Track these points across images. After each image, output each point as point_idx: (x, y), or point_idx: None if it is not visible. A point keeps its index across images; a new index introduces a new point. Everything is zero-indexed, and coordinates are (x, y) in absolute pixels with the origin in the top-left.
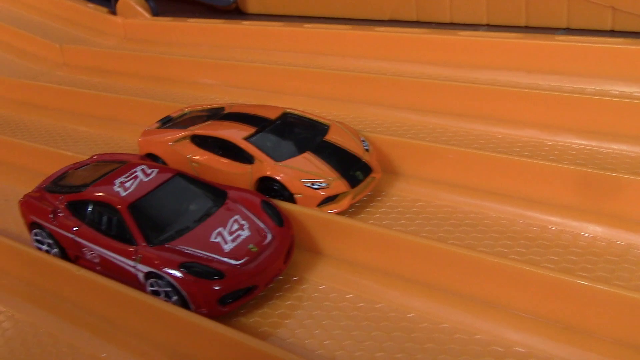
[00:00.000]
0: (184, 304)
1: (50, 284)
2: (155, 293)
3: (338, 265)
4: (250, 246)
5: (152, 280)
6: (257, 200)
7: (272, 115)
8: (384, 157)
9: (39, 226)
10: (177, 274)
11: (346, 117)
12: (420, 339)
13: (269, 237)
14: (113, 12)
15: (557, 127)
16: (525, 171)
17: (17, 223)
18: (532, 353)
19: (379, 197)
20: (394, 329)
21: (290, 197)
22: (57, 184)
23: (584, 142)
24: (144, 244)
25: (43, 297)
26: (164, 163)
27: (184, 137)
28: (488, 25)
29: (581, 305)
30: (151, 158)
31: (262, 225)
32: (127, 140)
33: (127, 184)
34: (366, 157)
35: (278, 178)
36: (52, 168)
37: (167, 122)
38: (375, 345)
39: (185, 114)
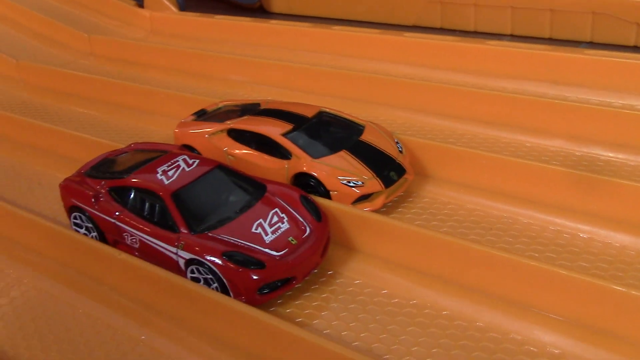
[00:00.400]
0: (223, 291)
1: (89, 267)
2: (195, 280)
3: (372, 262)
4: (290, 238)
5: (193, 267)
6: (295, 194)
7: (309, 113)
8: (416, 159)
9: (79, 209)
10: (220, 261)
11: (374, 120)
12: (455, 335)
13: (308, 230)
14: (140, 5)
15: (585, 138)
16: (556, 179)
17: (50, 207)
18: (565, 355)
19: (410, 198)
20: (429, 325)
21: (325, 194)
22: (97, 170)
23: (611, 155)
24: (186, 231)
25: (81, 280)
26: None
27: (221, 131)
28: (512, 35)
29: (615, 310)
30: (187, 149)
31: (301, 219)
32: (155, 130)
33: (170, 173)
34: (400, 159)
35: (315, 174)
36: (85, 155)
37: (203, 115)
38: (411, 340)
39: (220, 108)
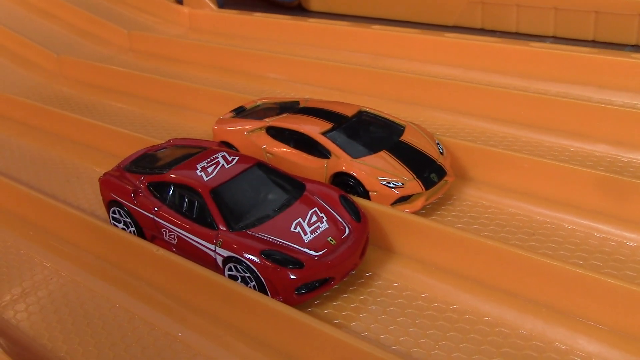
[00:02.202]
0: (261, 290)
1: (127, 261)
2: (233, 278)
3: (411, 264)
4: (329, 239)
5: (231, 264)
6: (335, 194)
7: (349, 112)
8: (456, 161)
9: (118, 204)
10: (258, 260)
11: (413, 121)
12: (497, 343)
13: (347, 231)
14: (180, 2)
15: (632, 144)
16: (602, 185)
17: (88, 200)
18: None
19: (450, 200)
20: (470, 330)
21: (364, 194)
22: (137, 165)
23: None
24: (225, 228)
25: (118, 275)
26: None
27: (260, 128)
28: (554, 37)
29: None
30: (226, 146)
31: (340, 219)
32: (194, 127)
33: (209, 169)
34: (441, 160)
35: (354, 174)
36: (122, 149)
37: (241, 112)
38: (452, 346)
39: (258, 106)
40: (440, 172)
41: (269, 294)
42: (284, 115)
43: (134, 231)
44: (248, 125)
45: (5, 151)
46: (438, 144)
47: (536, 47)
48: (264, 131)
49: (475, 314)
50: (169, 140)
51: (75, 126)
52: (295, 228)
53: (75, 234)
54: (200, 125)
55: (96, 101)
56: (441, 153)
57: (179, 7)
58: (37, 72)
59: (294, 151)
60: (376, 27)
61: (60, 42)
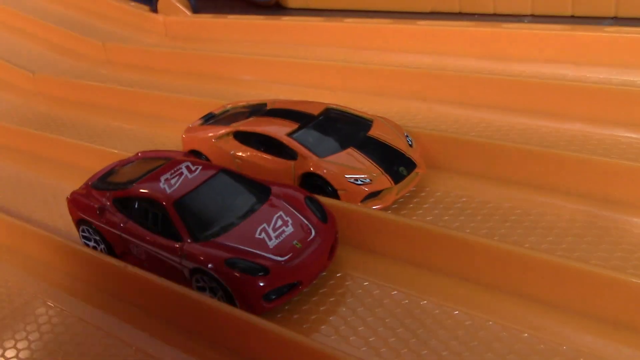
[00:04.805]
0: (229, 300)
1: (98, 279)
2: (201, 289)
3: (382, 262)
4: (295, 242)
5: (197, 276)
6: (300, 196)
7: (315, 110)
8: (427, 152)
9: (86, 223)
10: (223, 269)
11: (388, 112)
12: (465, 337)
13: (313, 233)
14: (154, 10)
15: (606, 120)
16: (571, 165)
17: (64, 219)
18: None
19: (422, 192)
20: (438, 327)
21: (333, 193)
22: (103, 181)
23: (634, 136)
24: (189, 240)
25: (90, 293)
26: (207, 159)
27: (227, 134)
28: (532, 15)
29: None
30: (195, 154)
31: (305, 221)
32: (170, 137)
33: (173, 181)
34: (410, 153)
35: (321, 174)
36: (97, 165)
37: (210, 119)
38: (419, 343)
39: (227, 111)
40: (410, 165)
41: (237, 303)
42: (251, 118)
43: (104, 249)
44: (216, 131)
45: None
46: (407, 136)
47: (509, 28)
48: (231, 136)
49: (443, 309)
50: (137, 154)
51: (51, 145)
52: (260, 234)
53: (50, 256)
54: (176, 135)
55: (74, 117)
56: (410, 145)
57: (153, 15)
58: (13, 92)
59: (262, 154)
60: (349, 21)
61: (36, 60)
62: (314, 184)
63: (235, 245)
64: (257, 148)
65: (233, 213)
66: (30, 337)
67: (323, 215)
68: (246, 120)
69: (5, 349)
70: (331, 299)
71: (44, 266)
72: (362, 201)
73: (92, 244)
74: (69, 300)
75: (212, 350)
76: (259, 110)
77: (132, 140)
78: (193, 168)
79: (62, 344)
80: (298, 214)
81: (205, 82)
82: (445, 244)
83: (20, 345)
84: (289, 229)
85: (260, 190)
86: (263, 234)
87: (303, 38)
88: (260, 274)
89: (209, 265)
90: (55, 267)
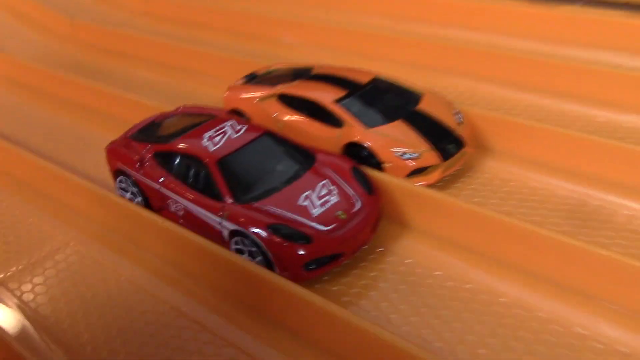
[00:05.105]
0: (268, 265)
1: (133, 232)
2: (239, 251)
3: (425, 240)
4: (339, 212)
5: (237, 238)
6: (346, 165)
7: (363, 79)
8: (476, 132)
9: (124, 174)
10: (265, 234)
11: (434, 88)
12: (513, 325)
13: (358, 204)
14: None
15: None
16: (630, 159)
17: (97, 169)
18: (636, 353)
19: (469, 173)
20: (484, 312)
21: (377, 165)
22: (144, 133)
23: None
24: (231, 201)
25: (126, 246)
26: (248, 120)
27: (271, 96)
28: None
29: None
30: (236, 114)
31: (351, 192)
32: (207, 93)
33: (216, 139)
34: (459, 130)
35: (367, 144)
36: (133, 116)
37: (253, 79)
38: (464, 328)
39: (270, 72)
40: (458, 143)
41: (276, 269)
42: (297, 82)
43: (141, 201)
44: (259, 92)
45: (17, 117)
46: (457, 113)
47: (564, 10)
48: (275, 99)
49: (490, 294)
50: (179, 108)
51: (87, 92)
52: (303, 201)
53: (84, 204)
54: (214, 91)
55: (111, 66)
56: (460, 123)
57: None
58: (51, 37)
59: (306, 120)
60: None
61: (75, 6)
62: (359, 154)
63: (279, 210)
64: (302, 113)
65: (277, 177)
66: (60, 277)
67: (369, 187)
68: (291, 84)
69: (34, 285)
70: (372, 274)
71: (78, 214)
72: (407, 176)
73: (128, 195)
74: (101, 250)
75: (244, 314)
76: (304, 74)
77: (168, 94)
78: (237, 128)
79: (95, 295)
80: (343, 184)
81: (245, 41)
82: (495, 228)
83: (50, 282)
84: (334, 199)
85: (305, 156)
86: (307, 201)
87: (347, 4)
88: (303, 241)
89: (251, 229)
90: (89, 216)
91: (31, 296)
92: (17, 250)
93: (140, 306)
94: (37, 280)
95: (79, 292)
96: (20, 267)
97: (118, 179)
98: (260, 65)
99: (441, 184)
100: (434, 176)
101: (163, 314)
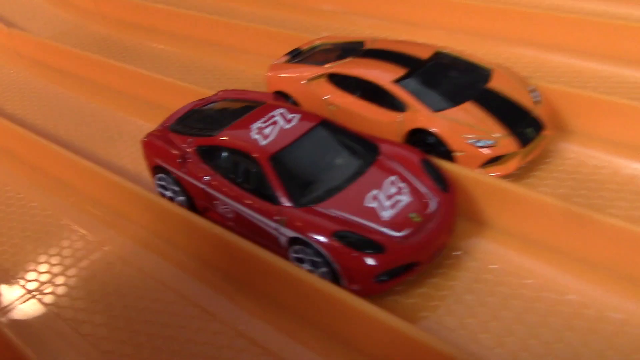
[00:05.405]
0: (333, 277)
1: (174, 235)
2: (299, 261)
3: (508, 241)
4: (412, 215)
5: (297, 247)
6: (415, 157)
7: (424, 54)
8: (555, 111)
9: (164, 171)
10: (330, 243)
11: (496, 60)
12: (629, 346)
13: (433, 204)
14: None
15: None
16: None
17: (131, 158)
18: None
19: (548, 159)
20: (590, 330)
21: (446, 155)
22: (184, 124)
23: None
24: (289, 204)
25: (164, 248)
26: (295, 104)
27: (320, 75)
28: None
29: None
30: (281, 97)
31: (424, 189)
32: (244, 71)
33: (266, 131)
34: (537, 111)
35: (435, 131)
36: (168, 100)
37: (297, 56)
38: (570, 351)
39: (316, 47)
40: (537, 126)
41: (344, 281)
42: (348, 59)
43: (183, 201)
44: (306, 71)
45: (43, 101)
46: (533, 90)
47: None
48: (325, 79)
49: (595, 308)
50: (218, 93)
51: (116, 74)
52: (371, 202)
53: (120, 203)
54: (250, 69)
55: (137, 43)
56: (537, 102)
57: None
58: (74, 11)
59: (362, 102)
60: None
61: None
62: (424, 142)
63: (344, 214)
64: (356, 95)
65: (338, 174)
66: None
67: (443, 182)
68: (342, 61)
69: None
70: (451, 283)
71: (116, 215)
72: (481, 166)
73: (169, 194)
74: (138, 252)
75: (304, 330)
76: (354, 49)
77: (204, 74)
78: (289, 117)
79: (125, 294)
80: (414, 180)
81: (281, 11)
82: (592, 229)
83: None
84: (405, 198)
85: (367, 147)
86: (375, 202)
87: None
88: (374, 251)
89: (314, 237)
90: (126, 215)
91: (53, 298)
92: (45, 250)
93: (187, 321)
94: (59, 281)
95: (110, 299)
96: (48, 267)
97: (157, 176)
98: (299, 38)
99: (518, 173)
100: (511, 165)
101: (208, 326)
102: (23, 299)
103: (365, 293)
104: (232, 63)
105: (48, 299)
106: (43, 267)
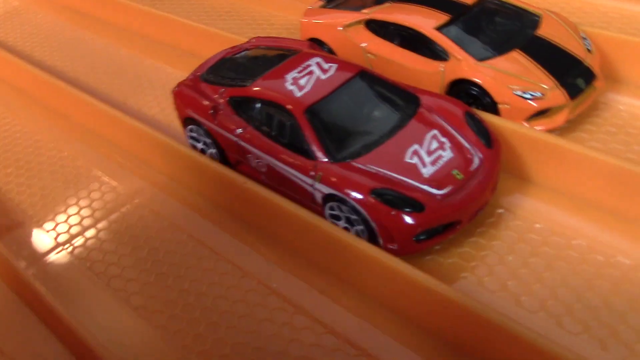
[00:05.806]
0: (371, 235)
1: (205, 188)
2: (335, 217)
3: (555, 199)
4: (455, 172)
5: (332, 203)
6: (458, 111)
7: None
8: (606, 60)
9: (195, 122)
10: (368, 200)
11: (549, 6)
12: None
13: (476, 161)
14: None
15: None
16: None
17: (161, 107)
18: None
19: (599, 111)
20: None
21: (491, 107)
22: (216, 73)
23: None
24: (325, 159)
25: (197, 201)
26: (330, 51)
27: (357, 22)
28: None
29: None
30: (316, 44)
31: (467, 144)
32: (279, 17)
33: (302, 81)
34: (589, 60)
35: (479, 81)
36: (198, 47)
37: (333, 0)
38: (613, 316)
39: None
40: (589, 76)
41: (381, 240)
42: (387, 4)
43: (215, 153)
44: (343, 17)
45: (71, 48)
46: (584, 38)
47: None
48: (362, 25)
49: None
50: (251, 40)
51: (147, 20)
52: (411, 158)
53: (151, 155)
54: (283, 13)
55: None
56: (589, 50)
57: None
58: None
59: (402, 51)
60: None
61: None
62: (468, 93)
63: (382, 170)
64: (396, 42)
65: (377, 128)
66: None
67: (487, 137)
68: (381, 6)
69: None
70: (493, 242)
71: (146, 165)
72: (527, 119)
73: (200, 145)
74: (170, 205)
75: (337, 288)
76: None
77: (236, 20)
78: (326, 66)
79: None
80: (457, 135)
81: None
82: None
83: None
84: (447, 154)
85: (408, 99)
86: (415, 158)
87: None
88: (413, 210)
89: (351, 194)
90: (157, 167)
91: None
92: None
93: (223, 279)
94: (89, 233)
95: (140, 255)
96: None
97: (188, 127)
98: None
99: (567, 127)
100: (560, 118)
101: (250, 291)
102: (55, 251)
103: (402, 252)
104: (265, 8)
105: (78, 252)
106: (74, 219)
